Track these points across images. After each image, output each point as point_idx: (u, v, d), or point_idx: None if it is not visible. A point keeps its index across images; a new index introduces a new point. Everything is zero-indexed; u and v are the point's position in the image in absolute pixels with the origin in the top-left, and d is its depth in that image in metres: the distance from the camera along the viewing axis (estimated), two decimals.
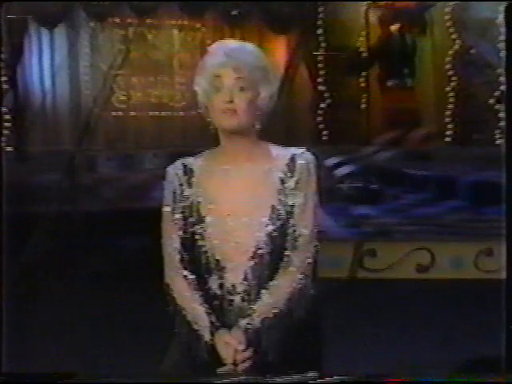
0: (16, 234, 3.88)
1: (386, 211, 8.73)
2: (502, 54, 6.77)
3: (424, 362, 4.76)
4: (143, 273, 6.23)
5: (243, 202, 2.45)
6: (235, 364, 2.33)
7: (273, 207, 2.44)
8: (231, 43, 2.50)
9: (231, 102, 2.40)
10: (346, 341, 4.93)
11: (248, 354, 2.34)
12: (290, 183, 2.45)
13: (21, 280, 5.61)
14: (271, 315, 2.38)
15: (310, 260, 2.45)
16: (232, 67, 2.40)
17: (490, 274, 6.76)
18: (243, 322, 2.39)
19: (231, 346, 2.34)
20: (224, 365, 2.35)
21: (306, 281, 2.43)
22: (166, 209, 2.53)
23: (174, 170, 2.54)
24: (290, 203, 2.45)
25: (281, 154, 2.50)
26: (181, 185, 2.52)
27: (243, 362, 2.34)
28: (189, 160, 2.56)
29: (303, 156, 2.48)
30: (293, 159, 2.47)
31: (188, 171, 2.53)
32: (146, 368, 2.89)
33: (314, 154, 2.52)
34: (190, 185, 2.52)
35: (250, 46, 2.49)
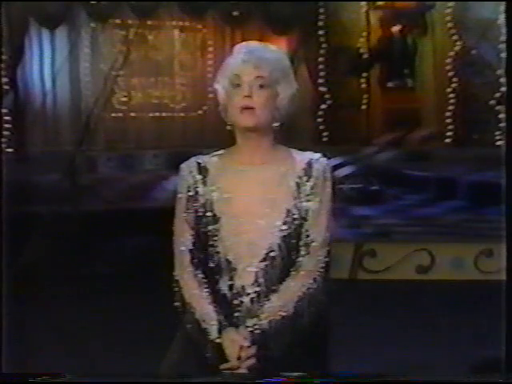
0: (16, 235, 3.93)
1: (386, 212, 8.76)
2: (503, 54, 6.76)
3: (424, 362, 4.77)
4: (144, 273, 6.52)
5: (258, 203, 2.45)
6: (239, 360, 2.34)
7: (288, 211, 2.44)
8: (254, 43, 2.52)
9: (250, 97, 2.40)
10: (346, 342, 4.77)
11: (253, 351, 2.35)
12: (306, 188, 2.45)
13: (20, 280, 5.59)
14: (279, 317, 2.39)
15: (321, 265, 2.44)
16: (253, 65, 2.41)
17: (490, 275, 6.75)
18: (250, 322, 2.39)
19: (237, 342, 2.35)
20: (228, 361, 2.35)
21: (317, 286, 2.43)
22: (179, 207, 2.52)
23: (189, 168, 2.53)
24: (305, 208, 2.45)
25: (297, 157, 2.49)
26: (195, 183, 2.50)
27: (247, 358, 2.34)
28: (203, 158, 2.54)
29: (320, 161, 2.48)
30: (310, 164, 2.47)
31: (202, 169, 2.51)
32: (146, 368, 2.88)
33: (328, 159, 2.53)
34: (204, 183, 2.50)
35: (272, 47, 2.52)
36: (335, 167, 9.14)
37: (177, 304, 2.49)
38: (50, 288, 6.26)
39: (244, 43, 2.53)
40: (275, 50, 2.50)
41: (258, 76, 2.41)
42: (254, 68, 2.41)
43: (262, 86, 2.41)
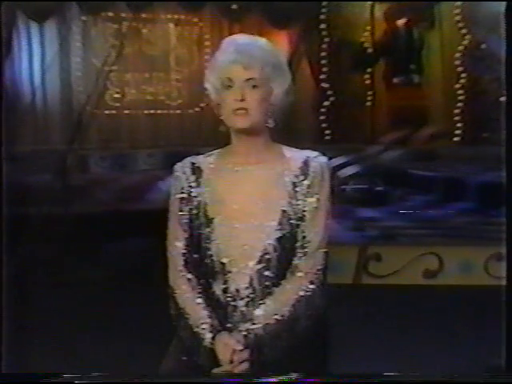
0: (8, 236, 3.93)
1: (391, 214, 8.71)
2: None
3: (431, 369, 4.68)
4: (137, 275, 6.65)
5: (253, 204, 2.44)
6: (232, 365, 2.33)
7: (283, 211, 2.42)
8: (242, 38, 2.48)
9: (243, 100, 2.39)
10: (350, 348, 4.79)
11: (246, 355, 2.35)
12: (303, 187, 2.44)
13: (13, 281, 5.59)
14: (274, 321, 2.38)
15: (318, 267, 2.43)
16: (242, 65, 2.39)
17: (500, 280, 6.55)
18: (244, 326, 2.39)
19: (229, 346, 2.35)
20: (221, 366, 2.35)
21: (314, 288, 2.42)
22: (173, 209, 2.51)
23: (182, 169, 2.52)
24: (302, 208, 2.43)
25: (294, 156, 2.49)
26: (189, 184, 2.50)
27: (240, 362, 2.34)
28: (198, 158, 2.54)
29: (317, 159, 2.47)
30: (306, 162, 2.46)
31: (196, 170, 2.51)
32: (142, 371, 2.90)
33: (328, 158, 2.51)
34: (198, 184, 2.50)
35: (261, 41, 2.48)
36: (338, 167, 9.12)
37: (171, 310, 2.48)
38: (41, 290, 6.22)
39: (231, 38, 2.49)
40: (265, 45, 2.46)
41: (249, 78, 2.39)
42: (244, 69, 2.39)
43: (254, 87, 2.40)
